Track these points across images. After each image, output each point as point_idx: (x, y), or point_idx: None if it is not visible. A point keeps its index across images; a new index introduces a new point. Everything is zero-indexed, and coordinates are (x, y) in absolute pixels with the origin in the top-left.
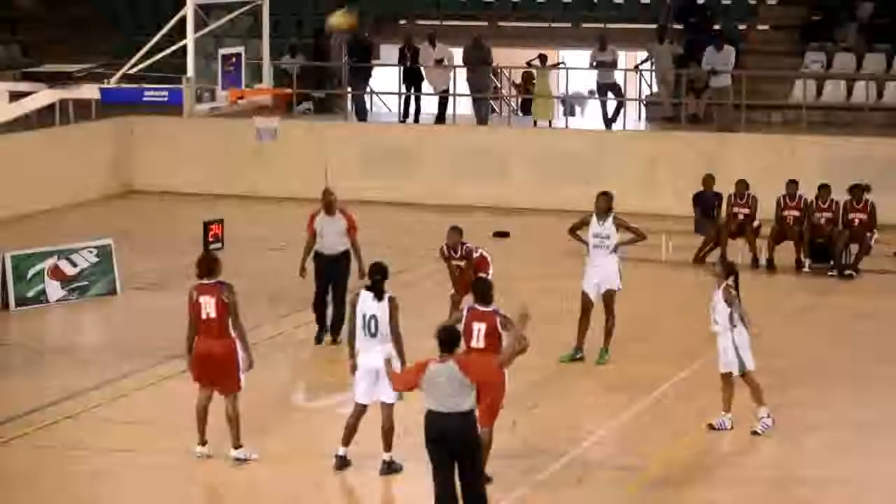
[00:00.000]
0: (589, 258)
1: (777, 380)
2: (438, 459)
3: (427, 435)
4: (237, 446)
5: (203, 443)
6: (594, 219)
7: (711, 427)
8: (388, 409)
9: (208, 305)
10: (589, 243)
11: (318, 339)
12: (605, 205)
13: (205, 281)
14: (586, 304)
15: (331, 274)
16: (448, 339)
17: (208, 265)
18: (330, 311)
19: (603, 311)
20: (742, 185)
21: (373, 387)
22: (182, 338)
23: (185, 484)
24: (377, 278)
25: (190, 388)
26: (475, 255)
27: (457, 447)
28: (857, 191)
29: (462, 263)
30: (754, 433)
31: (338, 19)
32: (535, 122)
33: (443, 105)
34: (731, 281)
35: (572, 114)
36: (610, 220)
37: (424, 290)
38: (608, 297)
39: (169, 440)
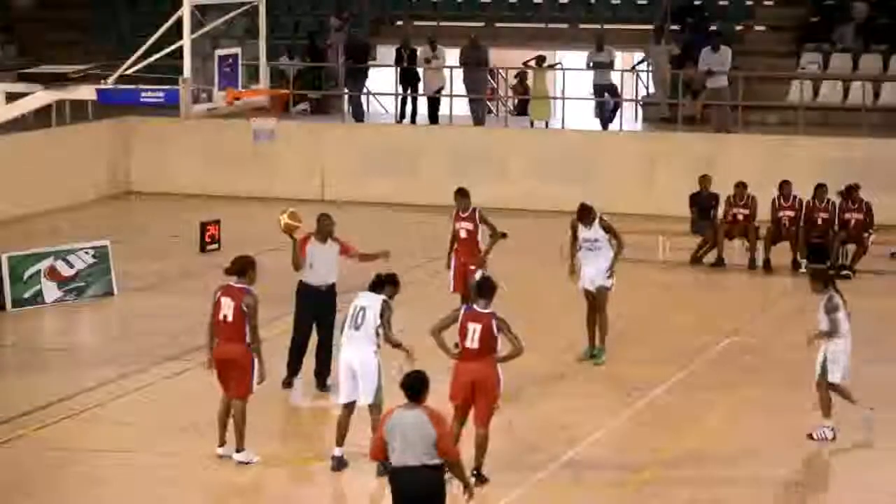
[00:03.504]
0: (582, 256)
1: (775, 382)
2: None
3: (393, 495)
4: (240, 449)
5: (222, 444)
6: (580, 225)
7: (811, 437)
8: (371, 410)
9: (227, 307)
10: (580, 248)
11: (288, 383)
12: (588, 216)
13: (233, 283)
14: (590, 301)
15: (317, 310)
16: (412, 387)
17: (240, 265)
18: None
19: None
20: (741, 187)
21: (353, 385)
22: (181, 338)
23: (183, 485)
24: (381, 280)
25: (189, 389)
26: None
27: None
28: (853, 191)
29: (470, 226)
30: (809, 436)
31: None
32: (531, 123)
33: (432, 105)
34: (833, 290)
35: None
36: (596, 223)
37: (423, 290)
38: (600, 295)
39: (167, 441)
